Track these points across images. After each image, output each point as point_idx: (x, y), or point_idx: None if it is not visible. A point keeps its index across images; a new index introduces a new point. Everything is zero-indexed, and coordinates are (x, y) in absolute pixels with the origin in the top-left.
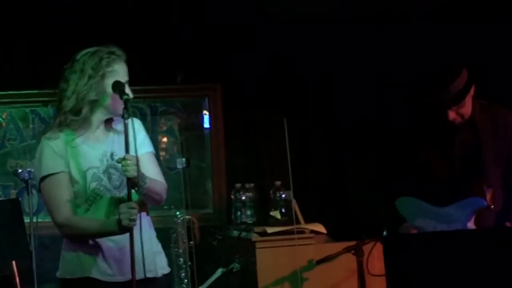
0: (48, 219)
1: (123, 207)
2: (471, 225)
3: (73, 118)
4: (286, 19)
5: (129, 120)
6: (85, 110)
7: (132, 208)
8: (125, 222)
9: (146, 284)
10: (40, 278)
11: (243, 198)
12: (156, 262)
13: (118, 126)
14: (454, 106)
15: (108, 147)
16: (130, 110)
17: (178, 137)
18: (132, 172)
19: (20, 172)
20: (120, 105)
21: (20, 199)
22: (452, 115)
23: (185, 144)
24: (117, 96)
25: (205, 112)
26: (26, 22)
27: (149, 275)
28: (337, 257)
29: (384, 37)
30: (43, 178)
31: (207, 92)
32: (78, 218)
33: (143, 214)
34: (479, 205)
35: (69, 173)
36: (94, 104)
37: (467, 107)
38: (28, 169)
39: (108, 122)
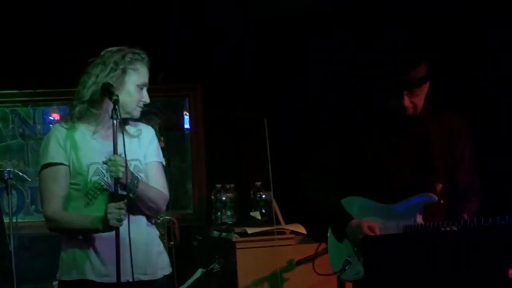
0: (27, 219)
1: (111, 207)
2: (420, 220)
3: (90, 110)
4: (266, 18)
5: (117, 120)
6: (104, 103)
7: (121, 208)
8: (112, 222)
9: (143, 287)
10: (19, 278)
11: (224, 198)
12: (156, 263)
13: (131, 130)
14: (411, 90)
15: (118, 147)
16: (118, 112)
17: (158, 137)
18: (118, 173)
19: (1, 172)
20: (136, 106)
21: None
22: (406, 101)
23: (165, 144)
24: (134, 95)
25: (185, 112)
26: (6, 23)
27: (144, 278)
28: (317, 258)
29: (362, 33)
30: (44, 167)
31: (188, 92)
32: (66, 213)
33: (140, 217)
34: (429, 201)
35: (72, 165)
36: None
37: (421, 98)
38: (8, 169)
39: (121, 124)
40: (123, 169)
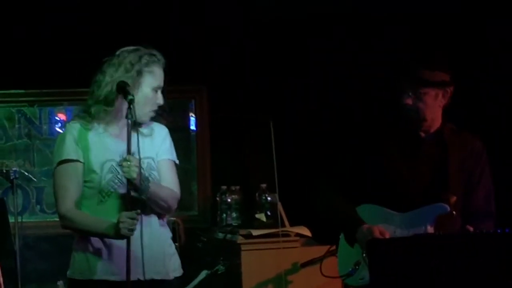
0: (32, 219)
1: (123, 216)
2: (430, 230)
3: (106, 109)
4: (271, 20)
5: (131, 121)
6: (117, 102)
7: (133, 218)
8: (123, 231)
9: (154, 286)
10: (23, 278)
11: (229, 200)
12: (168, 264)
13: (145, 129)
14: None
15: (131, 146)
16: (133, 111)
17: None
18: (132, 174)
19: (7, 171)
20: (150, 110)
21: (5, 199)
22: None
23: None
24: (150, 98)
25: (191, 114)
26: (12, 22)
27: (157, 277)
28: (321, 260)
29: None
30: (59, 163)
31: (194, 94)
32: (80, 213)
33: (152, 216)
34: (441, 211)
35: (87, 163)
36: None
37: (427, 106)
38: (14, 169)
39: (136, 124)
40: (137, 169)
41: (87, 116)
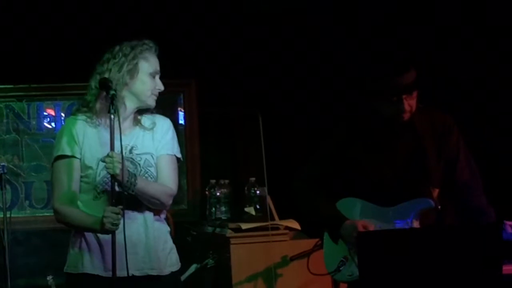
0: (21, 215)
1: (107, 211)
2: (416, 225)
3: (106, 104)
4: (259, 13)
5: (114, 116)
6: (119, 97)
7: (116, 213)
8: (107, 226)
9: (149, 282)
10: (13, 273)
11: (218, 194)
12: (164, 260)
13: (146, 122)
14: (406, 94)
15: (130, 140)
16: (116, 106)
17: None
18: (115, 170)
19: None
20: (151, 94)
21: None
22: (406, 104)
23: None
24: (148, 83)
25: (180, 108)
26: (1, 18)
27: (152, 272)
28: (311, 254)
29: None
30: (56, 158)
31: (182, 88)
32: (71, 208)
33: (146, 212)
34: (426, 205)
35: (84, 158)
36: (127, 90)
37: (414, 100)
38: (2, 164)
39: (136, 117)
40: (119, 165)
41: (87, 111)
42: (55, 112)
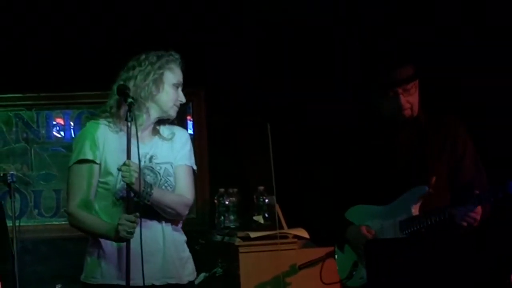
0: (30, 223)
1: (123, 218)
2: (416, 211)
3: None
4: (268, 22)
5: (131, 124)
6: (143, 106)
7: (132, 221)
8: (122, 234)
9: None
10: (22, 282)
11: (227, 202)
12: (182, 269)
13: (165, 132)
14: (401, 86)
15: (150, 149)
16: (133, 114)
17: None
18: (131, 179)
19: (4, 175)
20: (173, 105)
21: (2, 203)
22: (403, 100)
23: None
24: (171, 94)
25: (189, 117)
26: (11, 26)
27: (171, 281)
28: (319, 262)
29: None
30: (75, 162)
31: (191, 97)
32: (86, 213)
33: (164, 222)
34: (421, 192)
35: (104, 164)
36: (151, 100)
37: (414, 98)
38: (11, 173)
39: (156, 127)
40: (136, 174)
41: (108, 116)
42: (64, 121)
